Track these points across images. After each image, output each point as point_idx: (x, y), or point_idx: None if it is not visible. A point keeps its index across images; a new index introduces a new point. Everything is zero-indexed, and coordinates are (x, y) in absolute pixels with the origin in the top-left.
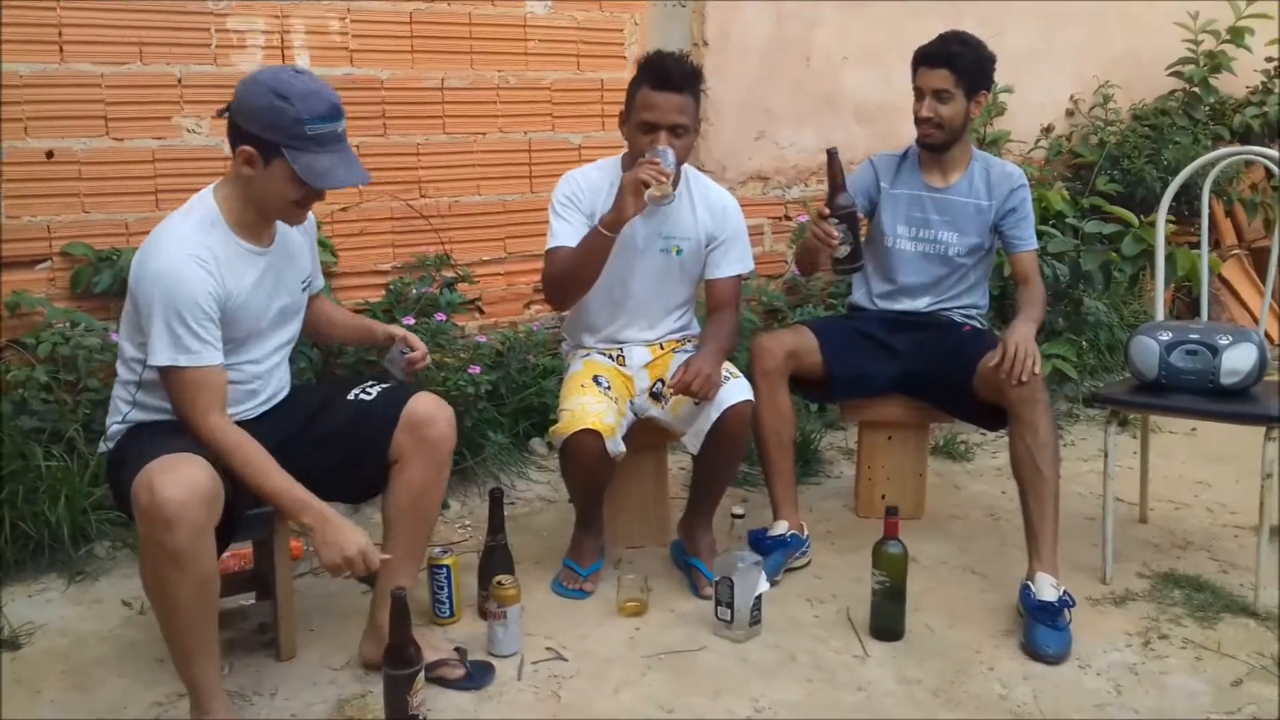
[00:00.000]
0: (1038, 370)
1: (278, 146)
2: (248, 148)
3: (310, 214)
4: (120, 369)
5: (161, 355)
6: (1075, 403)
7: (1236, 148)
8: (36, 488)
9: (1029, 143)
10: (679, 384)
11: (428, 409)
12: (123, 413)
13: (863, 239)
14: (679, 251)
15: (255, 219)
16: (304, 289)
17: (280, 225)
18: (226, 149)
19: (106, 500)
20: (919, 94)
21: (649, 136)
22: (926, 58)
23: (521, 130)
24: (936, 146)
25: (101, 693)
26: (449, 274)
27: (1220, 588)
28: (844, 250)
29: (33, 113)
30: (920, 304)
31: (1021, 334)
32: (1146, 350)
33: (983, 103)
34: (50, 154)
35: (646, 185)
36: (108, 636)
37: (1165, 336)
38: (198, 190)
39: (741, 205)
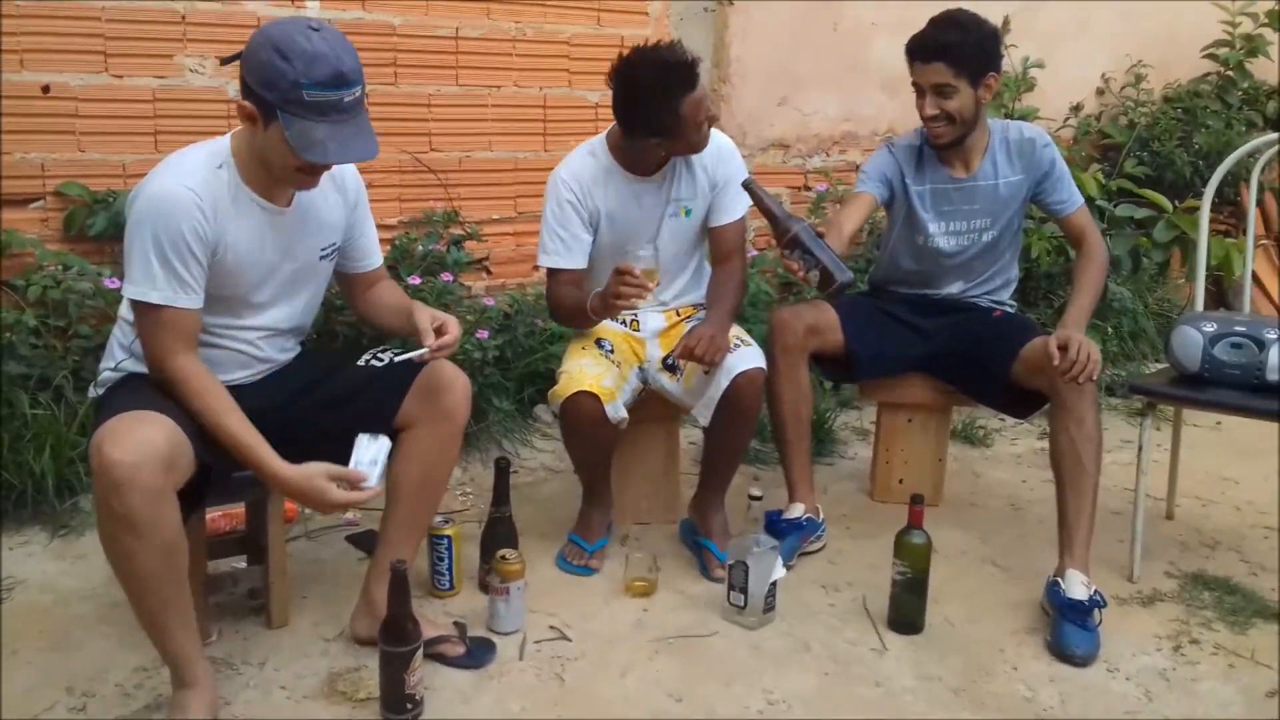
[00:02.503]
0: (1098, 373)
1: (274, 108)
2: (247, 104)
3: (359, 180)
4: (122, 309)
5: (134, 288)
6: (1099, 391)
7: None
8: (22, 436)
9: (1058, 120)
10: (683, 351)
11: (444, 376)
12: (117, 359)
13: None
14: (687, 213)
15: (266, 175)
16: (324, 257)
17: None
18: (232, 90)
19: None
20: (919, 90)
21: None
22: (918, 51)
23: (537, 85)
24: (952, 144)
25: (81, 655)
26: (457, 231)
27: (1252, 591)
28: (814, 276)
29: (29, 44)
30: (953, 289)
31: (1077, 332)
32: (1190, 341)
33: (993, 85)
34: (46, 89)
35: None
36: (90, 595)
37: (1210, 328)
38: (200, 133)
39: (760, 175)
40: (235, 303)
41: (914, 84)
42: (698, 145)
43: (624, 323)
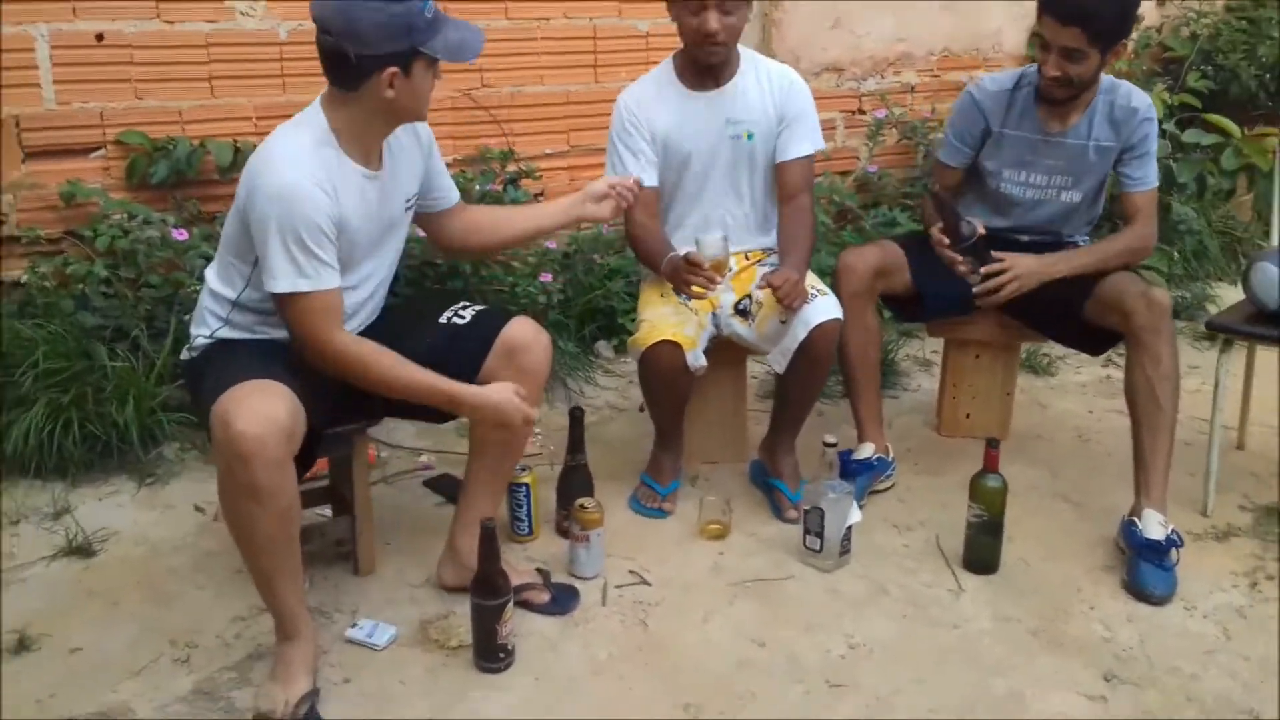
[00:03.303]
0: (1166, 308)
1: (412, 49)
2: (392, 69)
3: (427, 126)
4: (214, 281)
5: (282, 281)
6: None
7: None
8: (102, 388)
9: None
10: (768, 283)
11: (525, 335)
12: (212, 328)
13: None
14: (749, 136)
15: (374, 138)
16: (407, 209)
17: (389, 144)
18: (283, 33)
19: (173, 401)
20: (1044, 45)
21: (696, 19)
22: (1057, 10)
23: (587, 16)
24: (1064, 101)
25: (180, 606)
26: (512, 169)
27: None
28: (977, 279)
29: None
30: (1024, 239)
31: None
32: (1269, 278)
33: (1121, 53)
34: (100, 37)
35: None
36: (182, 545)
37: None
38: (254, 77)
39: (815, 99)
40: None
41: (1040, 36)
42: (687, 30)
43: None
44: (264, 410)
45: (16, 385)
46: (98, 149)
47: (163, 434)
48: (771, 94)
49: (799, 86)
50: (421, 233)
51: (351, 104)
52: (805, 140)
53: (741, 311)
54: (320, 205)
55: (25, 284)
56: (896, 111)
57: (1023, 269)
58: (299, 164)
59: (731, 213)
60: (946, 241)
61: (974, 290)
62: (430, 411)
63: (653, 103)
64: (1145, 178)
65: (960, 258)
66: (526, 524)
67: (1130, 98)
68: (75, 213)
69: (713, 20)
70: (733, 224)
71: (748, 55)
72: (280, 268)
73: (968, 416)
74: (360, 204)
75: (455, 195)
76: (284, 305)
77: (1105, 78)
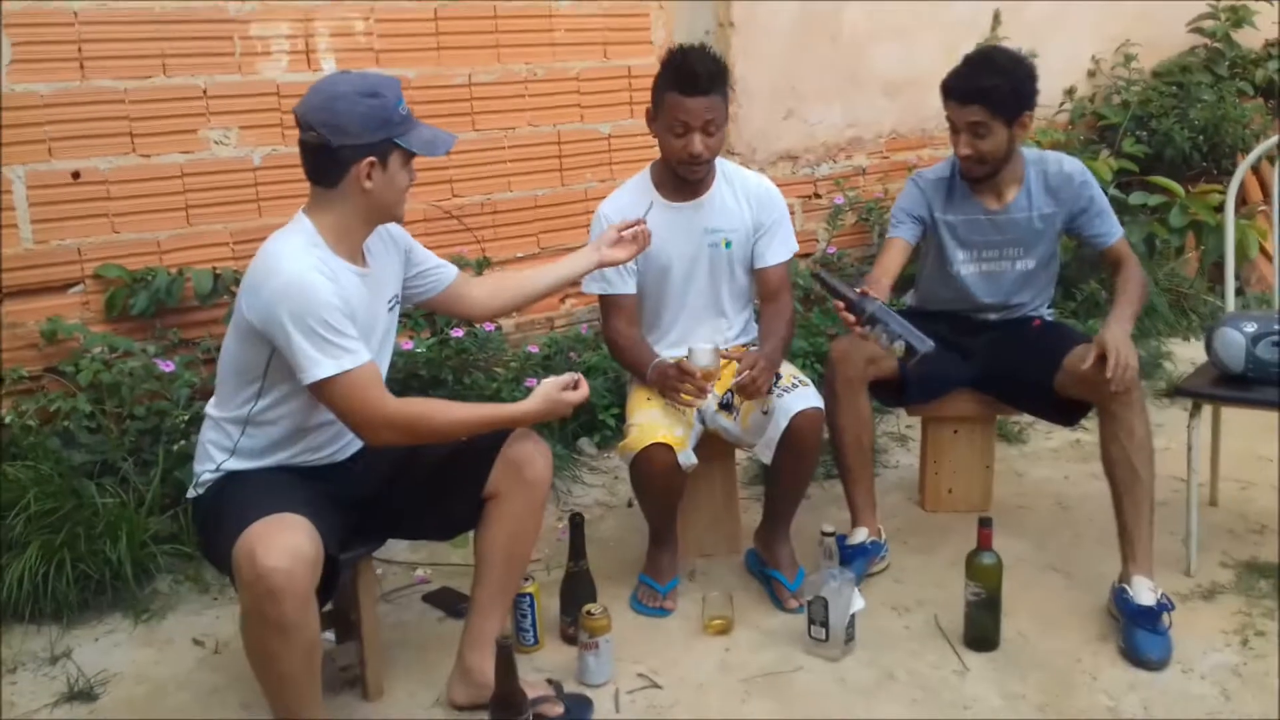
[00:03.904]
0: (1138, 379)
1: (389, 141)
2: (369, 158)
3: (398, 226)
4: (215, 411)
5: (320, 368)
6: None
7: None
8: (94, 525)
9: (1053, 106)
10: (739, 383)
11: (526, 450)
12: (217, 461)
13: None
14: (728, 244)
15: (358, 238)
16: (390, 309)
17: (368, 247)
18: (258, 159)
19: (164, 533)
20: (953, 127)
21: (681, 140)
22: (956, 92)
23: (550, 123)
24: (985, 177)
25: None
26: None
27: None
28: (899, 347)
29: (56, 133)
30: (989, 317)
31: (1119, 336)
32: (1232, 343)
33: (1028, 123)
34: (76, 174)
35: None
36: (186, 682)
37: (1250, 328)
38: (229, 204)
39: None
40: None
41: (949, 119)
42: (671, 150)
43: None
44: (290, 544)
45: (8, 528)
46: (76, 284)
47: (156, 567)
48: (748, 203)
49: (774, 195)
50: (407, 344)
51: (335, 203)
52: (783, 247)
53: (725, 405)
54: (329, 288)
55: (9, 424)
56: (850, 194)
57: (1118, 342)
58: (298, 259)
59: (711, 318)
60: (851, 319)
61: (1109, 381)
62: (435, 529)
63: (630, 210)
64: (1110, 230)
65: (866, 330)
66: (532, 634)
67: (1061, 164)
68: (56, 349)
69: (698, 143)
70: (712, 328)
71: (720, 164)
72: (311, 358)
73: (950, 491)
74: (356, 296)
75: (453, 269)
76: (327, 392)
77: (1029, 151)
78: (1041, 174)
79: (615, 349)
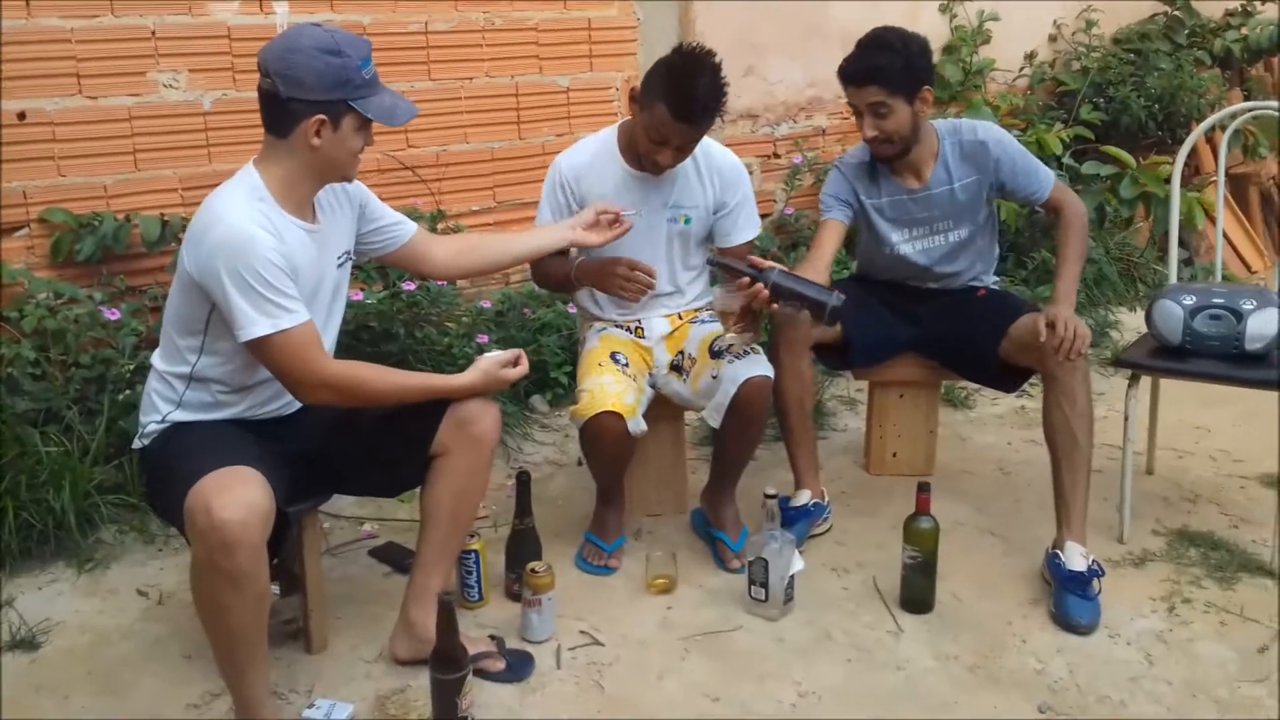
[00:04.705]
0: (1087, 350)
1: (344, 102)
2: (319, 116)
3: (355, 183)
4: (161, 363)
5: (256, 326)
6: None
7: (1252, 104)
8: (37, 474)
9: (1013, 70)
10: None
11: (474, 407)
12: (163, 412)
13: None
14: (687, 221)
15: (306, 193)
16: (340, 265)
17: (319, 202)
18: (207, 103)
19: (109, 483)
20: (856, 112)
21: (655, 147)
22: (851, 75)
23: (508, 74)
24: (896, 157)
25: (134, 695)
26: (443, 229)
27: (1235, 545)
28: (806, 315)
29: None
30: (930, 285)
31: (1066, 309)
32: (1170, 315)
33: (929, 99)
34: (22, 115)
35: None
36: (130, 632)
37: (1189, 301)
38: (178, 149)
39: (731, 145)
40: None
41: (850, 104)
42: (642, 145)
43: (630, 330)
44: (245, 497)
45: None
46: (21, 228)
47: (100, 517)
48: (711, 182)
49: (740, 174)
50: (357, 296)
51: (284, 156)
52: (748, 226)
53: (675, 368)
54: (269, 244)
55: None
56: (809, 155)
57: (1066, 316)
58: (239, 212)
59: (665, 292)
60: (764, 294)
61: (1056, 351)
62: (381, 486)
63: (589, 172)
64: (1040, 185)
65: (781, 308)
66: (476, 590)
67: (975, 131)
68: (0, 294)
69: (669, 157)
70: (664, 302)
71: None
72: (247, 315)
73: (894, 455)
74: (301, 253)
75: (411, 225)
76: (263, 351)
77: (941, 123)
78: (956, 144)
79: (539, 277)
